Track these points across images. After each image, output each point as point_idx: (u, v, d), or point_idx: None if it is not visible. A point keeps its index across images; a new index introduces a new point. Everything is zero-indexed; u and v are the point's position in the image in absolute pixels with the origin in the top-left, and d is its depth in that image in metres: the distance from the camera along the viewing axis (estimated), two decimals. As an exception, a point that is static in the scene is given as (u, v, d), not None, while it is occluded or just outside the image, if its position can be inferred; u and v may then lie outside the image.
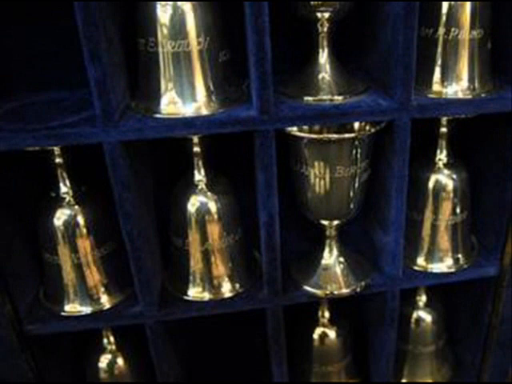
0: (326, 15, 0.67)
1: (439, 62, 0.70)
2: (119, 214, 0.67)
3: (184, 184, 0.75)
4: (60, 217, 0.72)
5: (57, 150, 0.70)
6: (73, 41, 0.61)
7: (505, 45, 0.72)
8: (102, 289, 0.77)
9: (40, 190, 0.75)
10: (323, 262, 0.82)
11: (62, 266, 0.74)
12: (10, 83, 0.76)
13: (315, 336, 0.93)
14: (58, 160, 0.71)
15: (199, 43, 0.63)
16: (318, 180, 0.71)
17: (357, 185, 0.72)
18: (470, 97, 0.69)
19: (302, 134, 0.68)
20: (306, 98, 0.68)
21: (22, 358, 0.75)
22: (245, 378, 1.01)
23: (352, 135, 0.69)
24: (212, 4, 0.63)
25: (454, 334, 1.02)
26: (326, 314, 0.93)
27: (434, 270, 0.82)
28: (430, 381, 1.00)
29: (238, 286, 0.79)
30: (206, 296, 0.78)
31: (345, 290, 0.79)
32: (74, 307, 0.76)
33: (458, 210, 0.80)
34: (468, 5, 0.66)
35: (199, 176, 0.74)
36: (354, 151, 0.69)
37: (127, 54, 0.67)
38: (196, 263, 0.76)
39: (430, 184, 0.79)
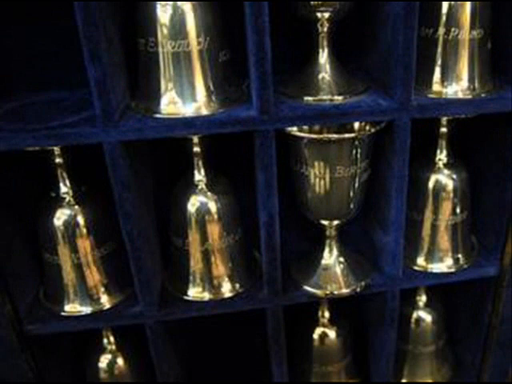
0: (326, 15, 0.67)
1: (439, 62, 0.70)
2: (119, 214, 0.67)
3: (184, 184, 0.75)
4: (60, 217, 0.72)
5: (57, 150, 0.70)
6: (73, 41, 0.61)
7: (505, 45, 0.72)
8: (102, 289, 0.77)
9: (40, 190, 0.75)
10: (323, 261, 0.82)
11: (62, 266, 0.74)
12: (10, 83, 0.76)
13: (315, 336, 0.93)
14: (58, 160, 0.71)
15: (199, 43, 0.63)
16: (318, 180, 0.71)
17: (357, 185, 0.72)
18: (470, 97, 0.69)
19: (302, 134, 0.68)
20: (306, 98, 0.68)
21: (22, 358, 0.75)
22: (245, 378, 1.01)
23: (352, 135, 0.69)
24: (212, 4, 0.63)
25: (454, 334, 1.02)
26: (326, 314, 0.93)
27: (434, 270, 0.82)
28: (430, 381, 1.00)
29: (238, 285, 0.79)
30: (206, 296, 0.78)
31: (345, 290, 0.79)
32: (74, 307, 0.76)
33: (458, 210, 0.80)
34: (468, 5, 0.66)
35: (199, 176, 0.74)
36: (354, 151, 0.69)
37: (127, 54, 0.67)
38: (196, 263, 0.76)
39: (430, 184, 0.79)
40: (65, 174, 0.72)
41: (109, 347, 0.88)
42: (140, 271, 0.72)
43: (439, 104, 0.68)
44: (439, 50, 0.69)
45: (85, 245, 0.73)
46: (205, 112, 0.65)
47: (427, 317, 0.95)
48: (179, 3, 0.61)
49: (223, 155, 0.78)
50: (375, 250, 0.86)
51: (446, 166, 0.79)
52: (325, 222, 0.78)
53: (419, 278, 0.82)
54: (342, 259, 0.82)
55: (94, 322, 0.77)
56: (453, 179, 0.79)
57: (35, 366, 0.77)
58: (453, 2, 0.67)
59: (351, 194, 0.73)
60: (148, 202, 0.77)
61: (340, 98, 0.68)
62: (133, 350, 0.89)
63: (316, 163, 0.69)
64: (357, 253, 0.86)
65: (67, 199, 0.73)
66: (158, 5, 0.61)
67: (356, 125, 0.72)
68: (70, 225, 0.72)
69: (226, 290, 0.78)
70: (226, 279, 0.78)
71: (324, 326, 0.93)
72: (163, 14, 0.61)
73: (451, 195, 0.79)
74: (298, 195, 0.76)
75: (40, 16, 0.73)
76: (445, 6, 0.67)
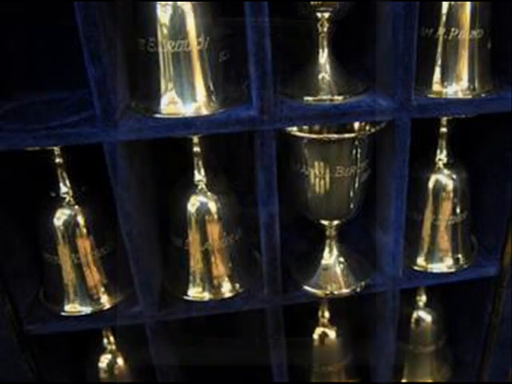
0: (326, 15, 0.67)
1: (439, 62, 0.70)
2: (119, 214, 0.67)
3: (184, 184, 0.75)
4: (60, 217, 0.72)
5: (57, 150, 0.70)
6: (73, 41, 0.61)
7: (505, 45, 0.72)
8: (102, 289, 0.77)
9: (40, 190, 0.75)
10: (323, 262, 0.82)
11: (62, 265, 0.74)
12: (10, 83, 0.76)
13: (315, 336, 0.93)
14: (58, 160, 0.71)
15: (199, 43, 0.63)
16: (318, 180, 0.71)
17: (357, 185, 0.72)
18: (470, 97, 0.69)
19: (302, 134, 0.68)
20: (305, 98, 0.68)
21: (21, 358, 0.75)
22: (245, 378, 1.01)
23: (352, 135, 0.69)
24: (212, 4, 0.63)
25: (453, 334, 1.02)
26: (326, 314, 0.93)
27: (434, 270, 0.82)
28: (429, 381, 1.00)
29: (238, 286, 0.79)
30: (206, 296, 0.78)
31: (345, 290, 0.79)
32: (74, 307, 0.76)
33: (457, 210, 0.80)
34: (468, 5, 0.66)
35: (199, 176, 0.74)
36: (354, 151, 0.69)
37: (127, 54, 0.67)
38: (196, 263, 0.76)
39: (430, 184, 0.79)
40: (65, 174, 0.72)
41: (109, 347, 0.88)
42: (140, 271, 0.72)
43: (439, 104, 0.68)
44: (439, 50, 0.69)
45: (85, 245, 0.73)
46: (205, 112, 0.65)
47: (427, 317, 0.95)
48: (179, 3, 0.61)
49: (223, 155, 0.78)
50: (375, 250, 0.86)
51: (446, 166, 0.79)
52: (325, 222, 0.78)
53: (419, 278, 0.82)
54: (342, 259, 0.82)
55: (94, 322, 0.77)
56: (453, 179, 0.78)
57: (35, 366, 0.77)
58: (453, 2, 0.67)
59: (351, 194, 0.73)
60: (148, 202, 0.77)
61: (340, 97, 0.68)
62: (133, 350, 0.89)
63: (316, 163, 0.69)
64: (357, 253, 0.86)
65: (67, 199, 0.73)
66: (158, 5, 0.61)
67: (356, 125, 0.72)
68: (70, 225, 0.72)
69: (226, 289, 0.78)
70: (226, 279, 0.78)
71: (324, 326, 0.93)
72: (163, 14, 0.61)
73: (451, 195, 0.79)
74: (297, 195, 0.76)
75: (40, 16, 0.73)
76: (445, 5, 0.67)
